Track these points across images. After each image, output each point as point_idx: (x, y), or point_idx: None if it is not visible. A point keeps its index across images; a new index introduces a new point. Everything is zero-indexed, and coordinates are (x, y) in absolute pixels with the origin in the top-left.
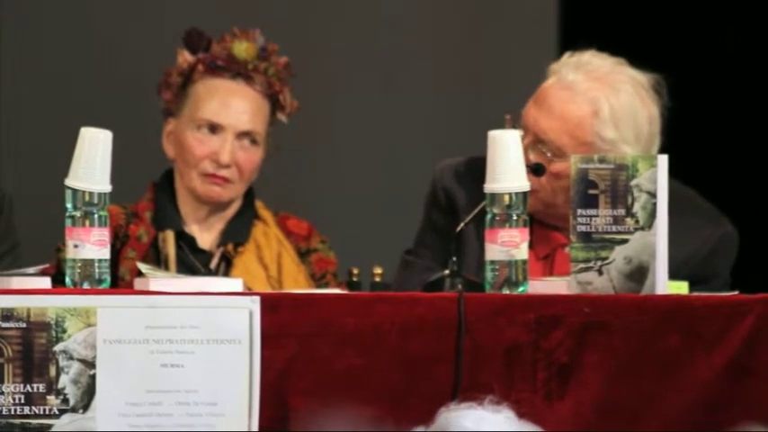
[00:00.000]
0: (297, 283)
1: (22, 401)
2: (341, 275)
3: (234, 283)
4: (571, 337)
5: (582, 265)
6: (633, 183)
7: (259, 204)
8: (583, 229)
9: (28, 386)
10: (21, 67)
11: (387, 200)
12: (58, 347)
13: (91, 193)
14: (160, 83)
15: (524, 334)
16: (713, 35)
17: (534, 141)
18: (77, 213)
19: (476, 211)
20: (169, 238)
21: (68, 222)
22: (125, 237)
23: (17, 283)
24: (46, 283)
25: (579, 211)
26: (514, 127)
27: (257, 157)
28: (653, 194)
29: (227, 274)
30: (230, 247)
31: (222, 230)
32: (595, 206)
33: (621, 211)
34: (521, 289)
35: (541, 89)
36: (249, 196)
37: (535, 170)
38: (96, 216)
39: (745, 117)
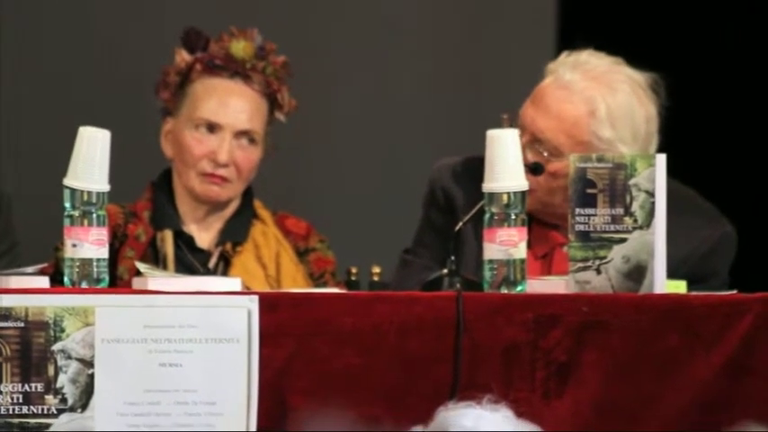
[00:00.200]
0: (295, 283)
1: (21, 401)
2: (339, 275)
3: (232, 283)
4: (569, 337)
5: (580, 265)
6: (632, 182)
7: (257, 204)
8: (581, 228)
9: (26, 386)
10: (21, 67)
11: (385, 199)
12: (56, 347)
13: (89, 193)
14: (158, 82)
15: (523, 333)
16: (711, 34)
17: (531, 141)
18: (76, 213)
19: (474, 210)
20: (167, 237)
21: (67, 222)
22: (123, 236)
23: (15, 282)
24: (44, 282)
25: (577, 211)
26: (512, 126)
27: (255, 156)
28: (651, 194)
29: (225, 273)
30: (229, 246)
31: (221, 230)
32: (594, 205)
33: (620, 211)
34: (519, 288)
35: (538, 88)
36: (248, 196)
37: (534, 169)
38: (95, 215)
39: (744, 116)
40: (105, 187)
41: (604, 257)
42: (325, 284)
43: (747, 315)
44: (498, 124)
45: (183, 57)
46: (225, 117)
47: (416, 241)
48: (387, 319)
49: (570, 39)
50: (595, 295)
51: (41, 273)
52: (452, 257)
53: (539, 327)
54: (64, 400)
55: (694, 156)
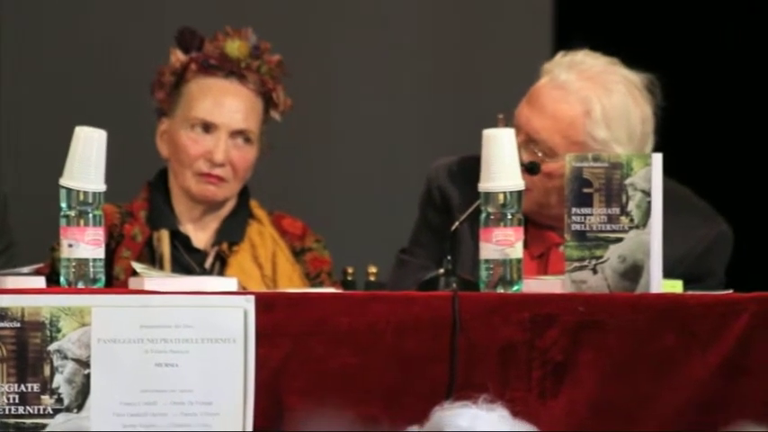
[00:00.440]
0: (291, 283)
1: (17, 401)
2: (336, 274)
3: (228, 283)
4: (566, 336)
5: (576, 264)
6: (628, 181)
7: (254, 203)
8: (577, 227)
9: (22, 386)
10: (21, 67)
11: (382, 199)
12: (52, 347)
13: (85, 193)
14: (153, 82)
15: (519, 333)
16: (707, 34)
17: (526, 141)
18: (72, 213)
19: (470, 209)
20: (164, 237)
21: (63, 222)
22: (120, 236)
23: (11, 282)
24: (40, 282)
25: (574, 210)
26: (507, 126)
27: (251, 155)
28: (647, 193)
29: (221, 273)
30: (225, 246)
31: (217, 230)
32: (590, 205)
33: (616, 210)
34: (515, 288)
35: (534, 88)
36: (244, 195)
37: (530, 169)
38: (91, 215)
39: (740, 116)
40: (101, 187)
41: (600, 257)
42: (321, 284)
43: (743, 314)
44: (494, 124)
45: (177, 56)
46: (220, 117)
47: (413, 241)
48: (383, 319)
49: (568, 39)
50: (592, 295)
51: (37, 273)
52: (449, 257)
53: (535, 326)
54: (60, 401)
55: (690, 155)
